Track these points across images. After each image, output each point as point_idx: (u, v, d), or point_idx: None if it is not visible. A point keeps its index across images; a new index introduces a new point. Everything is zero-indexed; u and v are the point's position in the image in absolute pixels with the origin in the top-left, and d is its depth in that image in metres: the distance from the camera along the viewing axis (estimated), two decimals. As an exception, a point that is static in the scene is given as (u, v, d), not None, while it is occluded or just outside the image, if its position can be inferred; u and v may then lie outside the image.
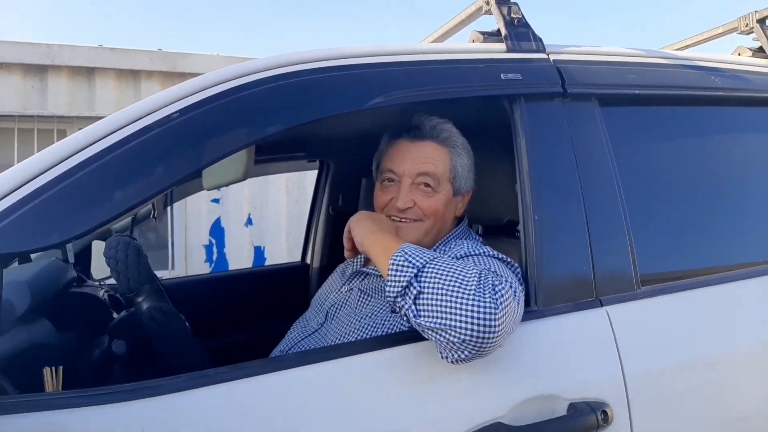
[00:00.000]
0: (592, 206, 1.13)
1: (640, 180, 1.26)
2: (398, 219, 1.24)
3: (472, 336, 0.87)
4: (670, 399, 1.09)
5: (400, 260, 0.96)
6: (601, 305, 1.10)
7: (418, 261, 0.96)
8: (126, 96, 5.31)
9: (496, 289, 0.90)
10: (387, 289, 0.96)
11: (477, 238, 1.31)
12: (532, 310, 1.06)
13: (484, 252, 1.13)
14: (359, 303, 1.26)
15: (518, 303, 0.95)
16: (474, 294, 0.88)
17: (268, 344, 1.39)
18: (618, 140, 1.22)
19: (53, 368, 0.98)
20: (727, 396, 1.15)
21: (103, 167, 0.92)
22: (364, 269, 1.33)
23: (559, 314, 1.07)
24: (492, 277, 0.93)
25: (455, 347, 0.89)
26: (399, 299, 0.95)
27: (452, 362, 0.92)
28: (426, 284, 0.92)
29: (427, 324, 0.90)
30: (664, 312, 1.15)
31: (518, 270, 1.12)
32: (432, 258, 0.97)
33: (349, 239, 1.19)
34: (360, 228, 1.15)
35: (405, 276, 0.94)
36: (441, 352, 0.93)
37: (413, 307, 0.92)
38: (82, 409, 0.82)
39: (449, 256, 1.13)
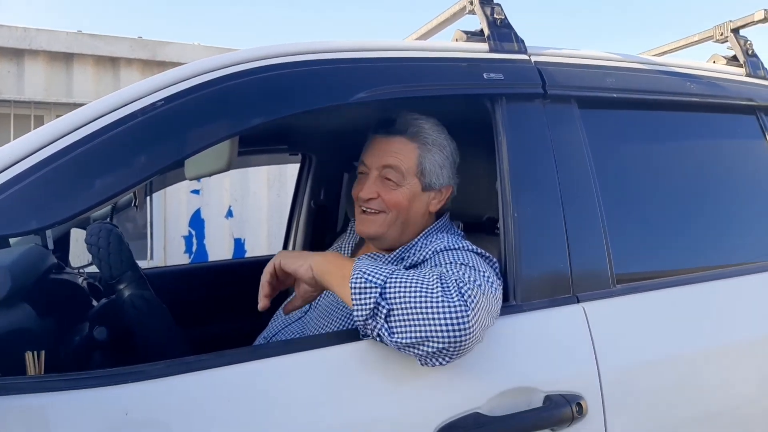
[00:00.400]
0: (570, 205, 1.17)
1: (617, 181, 1.30)
2: (364, 209, 1.27)
3: (449, 342, 0.89)
4: (643, 393, 1.13)
5: (360, 282, 0.94)
6: (578, 302, 1.13)
7: (378, 278, 0.95)
8: (104, 83, 5.23)
9: (462, 290, 0.92)
10: (355, 314, 0.94)
11: (458, 232, 1.33)
12: (510, 305, 1.09)
13: (463, 246, 1.15)
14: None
15: (494, 296, 0.97)
16: (441, 300, 0.90)
17: (249, 336, 1.41)
18: (596, 142, 1.26)
19: (35, 353, 0.98)
20: (698, 392, 1.20)
21: (86, 154, 0.91)
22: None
23: (536, 309, 1.10)
24: (454, 278, 0.94)
25: (435, 356, 0.92)
26: (369, 321, 0.93)
27: (433, 366, 0.94)
28: (393, 301, 0.92)
29: (405, 341, 0.91)
30: (638, 310, 1.19)
31: (496, 264, 1.14)
32: (391, 272, 0.97)
33: (269, 284, 1.11)
34: (296, 260, 1.08)
35: (371, 296, 0.93)
36: (421, 362, 0.94)
37: (385, 326, 0.92)
38: (64, 392, 0.83)
39: (430, 250, 1.15)
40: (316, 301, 1.31)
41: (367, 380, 0.96)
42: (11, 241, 1.55)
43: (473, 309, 0.90)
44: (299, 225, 2.55)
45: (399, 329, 0.91)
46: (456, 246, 1.14)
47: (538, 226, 1.14)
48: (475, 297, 0.91)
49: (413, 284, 0.93)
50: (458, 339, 0.88)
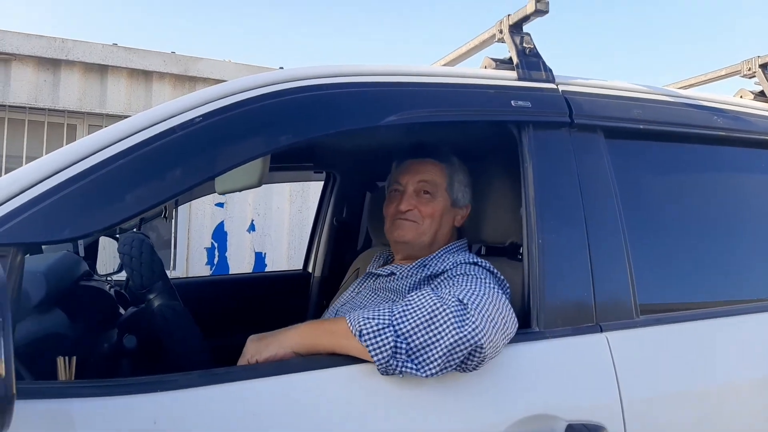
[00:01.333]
0: (595, 234, 1.17)
1: (642, 211, 1.30)
2: (401, 219, 1.38)
3: (468, 345, 0.94)
4: (666, 426, 1.12)
5: (370, 327, 0.96)
6: (601, 331, 1.13)
7: (383, 318, 0.97)
8: (137, 96, 5.36)
9: (461, 296, 1.00)
10: (375, 359, 0.94)
11: (471, 255, 1.37)
12: (533, 332, 1.10)
13: (481, 263, 1.22)
14: (367, 299, 1.35)
15: (498, 308, 1.02)
16: (447, 313, 0.96)
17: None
18: (621, 172, 1.27)
19: (66, 358, 1.01)
20: (720, 426, 1.18)
21: (125, 167, 0.94)
22: (375, 271, 1.43)
23: (559, 337, 1.10)
24: (454, 291, 1.02)
25: (463, 366, 0.97)
26: (391, 362, 0.94)
27: (471, 371, 0.99)
28: (408, 334, 0.95)
29: (436, 371, 0.94)
30: (662, 341, 1.19)
31: (507, 289, 1.19)
32: (390, 310, 0.99)
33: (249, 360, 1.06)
34: (270, 346, 1.05)
35: (388, 337, 0.95)
36: (458, 370, 0.99)
37: (410, 364, 0.94)
38: (94, 399, 0.85)
39: (451, 261, 1.25)
40: (342, 309, 1.38)
41: (390, 405, 0.96)
42: (44, 247, 1.59)
43: (474, 308, 0.97)
44: (321, 241, 2.58)
45: (425, 361, 0.94)
46: (474, 261, 1.22)
47: (562, 253, 1.15)
48: (474, 301, 0.99)
49: (415, 311, 0.98)
50: (474, 339, 0.94)
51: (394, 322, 0.96)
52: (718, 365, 1.22)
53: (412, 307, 0.99)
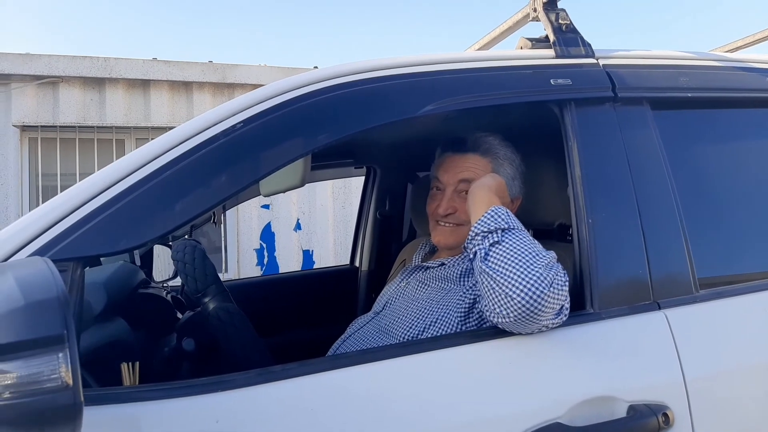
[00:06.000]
0: (647, 209, 1.14)
1: (695, 183, 1.25)
2: (442, 224, 1.34)
3: (521, 296, 0.95)
4: (732, 403, 1.08)
5: (500, 212, 1.07)
6: (659, 308, 1.10)
7: (513, 223, 1.06)
8: (179, 106, 5.51)
9: (559, 275, 0.99)
10: (474, 226, 1.07)
11: None
12: (588, 313, 1.07)
13: None
14: (416, 291, 1.34)
15: (566, 301, 1.00)
16: (539, 268, 0.97)
17: (321, 344, 1.44)
18: (671, 143, 1.22)
19: (130, 364, 1.05)
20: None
21: (173, 177, 0.97)
22: (424, 264, 1.42)
23: (615, 317, 1.07)
24: (558, 266, 1.01)
25: (502, 302, 0.97)
26: (478, 239, 1.05)
27: (493, 318, 1.00)
28: (507, 240, 1.02)
29: (489, 271, 0.99)
30: (723, 315, 1.14)
31: (565, 276, 1.15)
32: (522, 228, 1.07)
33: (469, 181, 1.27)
34: (486, 180, 1.23)
35: (495, 224, 1.05)
36: (486, 305, 1.01)
37: (486, 250, 1.02)
38: (158, 402, 0.87)
39: None
40: (391, 301, 1.38)
41: (448, 390, 0.96)
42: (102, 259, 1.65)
43: (555, 292, 0.96)
44: (366, 235, 2.59)
45: (493, 260, 1.00)
46: None
47: (614, 231, 1.12)
48: (561, 286, 0.98)
49: (530, 244, 1.02)
50: (528, 302, 0.94)
51: (511, 229, 1.05)
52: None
53: (530, 242, 1.03)
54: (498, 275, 0.98)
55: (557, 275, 0.98)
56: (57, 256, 0.88)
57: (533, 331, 1.00)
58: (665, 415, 0.98)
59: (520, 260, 0.98)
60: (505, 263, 0.99)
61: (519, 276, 0.96)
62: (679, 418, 1.01)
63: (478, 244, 1.04)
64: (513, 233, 1.04)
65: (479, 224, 1.07)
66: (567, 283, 1.00)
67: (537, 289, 0.95)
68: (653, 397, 1.02)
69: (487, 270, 1.00)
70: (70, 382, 0.67)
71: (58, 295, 0.68)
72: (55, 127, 5.20)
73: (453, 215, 1.32)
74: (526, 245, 1.01)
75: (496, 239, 1.03)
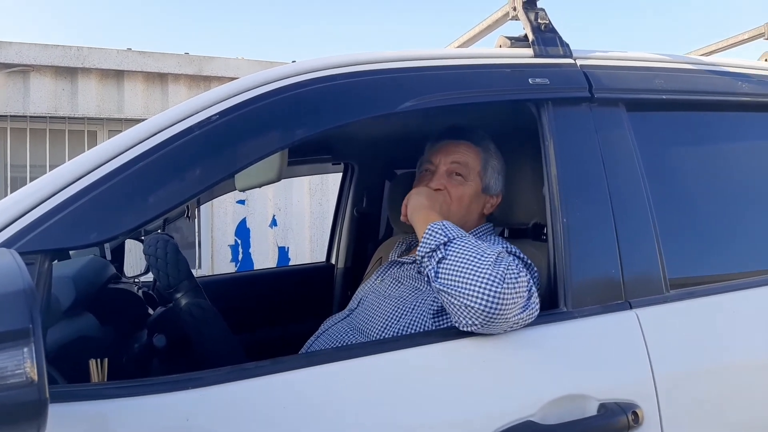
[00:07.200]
0: (620, 209, 1.15)
1: (668, 184, 1.27)
2: None
3: (478, 303, 0.95)
4: (700, 402, 1.09)
5: (436, 228, 1.08)
6: (631, 307, 1.11)
7: (450, 233, 1.07)
8: (153, 98, 5.42)
9: (510, 268, 0.99)
10: (418, 249, 1.08)
11: (499, 239, 1.35)
12: (561, 312, 1.08)
13: (509, 249, 1.20)
14: (390, 288, 1.35)
15: (529, 293, 1.00)
16: (487, 269, 0.97)
17: (295, 342, 1.43)
18: (645, 144, 1.24)
19: (98, 360, 1.02)
20: (756, 399, 1.15)
21: (145, 168, 0.95)
22: (400, 260, 1.42)
23: (588, 316, 1.08)
24: (508, 259, 1.02)
25: (464, 312, 0.97)
26: (426, 260, 1.05)
27: (464, 328, 0.99)
28: (450, 253, 1.03)
29: (442, 287, 1.00)
30: (693, 315, 1.16)
31: (535, 273, 1.17)
32: (463, 235, 1.08)
33: (406, 206, 1.27)
34: (415, 199, 1.25)
35: (435, 241, 1.06)
36: (453, 317, 1.01)
37: (435, 269, 1.03)
38: (127, 399, 0.85)
39: None
40: (366, 298, 1.39)
41: (419, 388, 0.96)
42: (71, 252, 1.62)
43: (510, 285, 0.96)
44: (342, 233, 2.58)
45: (443, 275, 1.01)
46: (505, 248, 1.20)
47: (588, 231, 1.13)
48: (516, 278, 0.98)
49: (475, 248, 1.03)
50: (488, 303, 0.95)
51: (453, 240, 1.05)
52: (752, 338, 1.19)
53: (474, 246, 1.03)
54: (452, 289, 0.98)
55: (508, 268, 0.98)
56: (24, 248, 0.85)
57: (507, 330, 1.00)
58: (635, 413, 1.00)
59: (466, 268, 0.99)
60: (455, 276, 0.99)
61: (470, 284, 0.97)
62: (649, 417, 1.02)
63: (428, 265, 1.05)
64: (454, 244, 1.04)
65: (421, 247, 1.07)
66: (522, 271, 1.00)
67: (491, 290, 0.95)
68: (623, 395, 1.03)
69: (441, 288, 1.01)
70: (35, 377, 0.65)
71: (24, 288, 0.66)
72: (25, 117, 5.08)
73: (441, 192, 1.34)
74: (468, 251, 1.02)
75: (441, 255, 1.03)
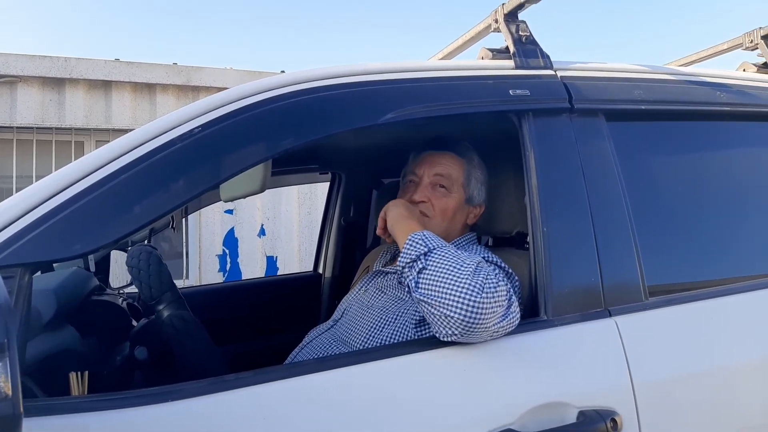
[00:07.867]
0: (600, 218, 1.16)
1: (647, 193, 1.29)
2: None
3: (458, 312, 0.96)
4: (679, 408, 1.10)
5: (416, 238, 1.09)
6: (610, 315, 1.12)
7: (431, 244, 1.07)
8: (142, 109, 5.40)
9: (489, 278, 0.99)
10: (399, 260, 1.08)
11: (482, 248, 1.36)
12: (541, 320, 1.09)
13: (490, 258, 1.22)
14: (373, 298, 1.35)
15: (509, 301, 1.01)
16: (466, 279, 0.98)
17: (282, 352, 1.43)
18: (625, 154, 1.25)
19: (79, 373, 1.02)
20: (735, 406, 1.17)
21: (129, 180, 0.95)
22: (384, 269, 1.43)
23: (568, 324, 1.09)
24: (487, 268, 1.03)
25: (444, 322, 0.98)
26: (406, 270, 1.06)
27: (444, 338, 1.00)
28: (431, 263, 1.03)
29: (422, 297, 1.01)
30: (671, 323, 1.17)
31: (516, 282, 1.19)
32: (444, 245, 1.08)
33: (383, 219, 1.27)
34: (394, 211, 1.25)
35: (416, 251, 1.06)
36: (433, 327, 1.01)
37: (415, 279, 1.03)
38: (107, 412, 0.85)
39: None
40: (350, 308, 1.39)
41: (399, 398, 0.96)
42: (56, 265, 1.61)
43: (490, 294, 0.97)
44: (330, 242, 2.58)
45: (423, 286, 1.02)
46: (484, 257, 1.21)
47: (568, 239, 1.14)
48: (496, 287, 0.99)
49: (454, 258, 1.03)
50: (467, 312, 0.95)
51: (433, 251, 1.06)
52: (729, 344, 1.20)
53: (454, 257, 1.04)
54: (432, 299, 0.99)
55: (487, 278, 0.99)
56: (3, 261, 0.86)
57: (488, 338, 1.01)
58: (614, 420, 1.00)
59: (446, 278, 1.00)
60: (435, 286, 1.00)
61: (450, 294, 0.97)
62: (627, 423, 1.03)
63: (408, 276, 1.06)
64: (434, 254, 1.05)
65: (402, 257, 1.08)
66: (501, 280, 1.01)
67: (470, 300, 0.96)
68: (603, 402, 1.04)
69: (421, 298, 1.01)
70: (9, 392, 0.65)
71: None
72: (12, 128, 5.04)
73: (425, 204, 1.35)
74: (448, 261, 1.03)
75: (421, 265, 1.04)
